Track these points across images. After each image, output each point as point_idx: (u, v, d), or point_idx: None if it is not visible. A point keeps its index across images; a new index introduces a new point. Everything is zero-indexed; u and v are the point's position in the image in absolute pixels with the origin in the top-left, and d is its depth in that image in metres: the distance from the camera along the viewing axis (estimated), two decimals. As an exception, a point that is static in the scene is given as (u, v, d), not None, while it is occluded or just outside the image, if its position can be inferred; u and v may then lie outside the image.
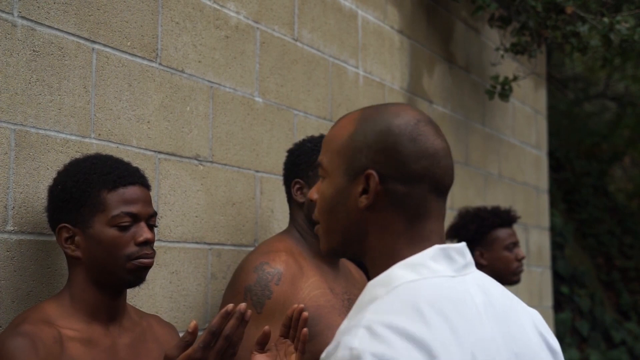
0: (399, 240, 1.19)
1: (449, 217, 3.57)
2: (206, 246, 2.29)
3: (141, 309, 1.95)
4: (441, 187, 1.19)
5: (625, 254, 7.22)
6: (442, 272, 1.17)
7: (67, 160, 1.86)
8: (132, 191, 1.63)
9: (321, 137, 2.24)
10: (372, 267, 1.21)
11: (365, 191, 1.18)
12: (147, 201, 1.66)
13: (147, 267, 1.63)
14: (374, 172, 1.17)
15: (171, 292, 2.15)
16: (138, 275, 1.63)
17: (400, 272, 1.16)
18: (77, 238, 1.62)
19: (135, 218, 1.62)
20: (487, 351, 1.11)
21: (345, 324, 1.13)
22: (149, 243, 1.62)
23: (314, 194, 1.31)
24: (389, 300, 1.12)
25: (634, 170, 9.94)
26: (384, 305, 1.11)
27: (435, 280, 1.15)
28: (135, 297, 2.02)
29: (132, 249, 1.60)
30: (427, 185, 1.18)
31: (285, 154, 2.29)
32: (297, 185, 2.18)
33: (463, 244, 1.21)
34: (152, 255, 1.63)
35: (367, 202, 1.18)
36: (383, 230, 1.19)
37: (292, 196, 2.19)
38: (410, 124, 1.18)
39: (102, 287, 1.64)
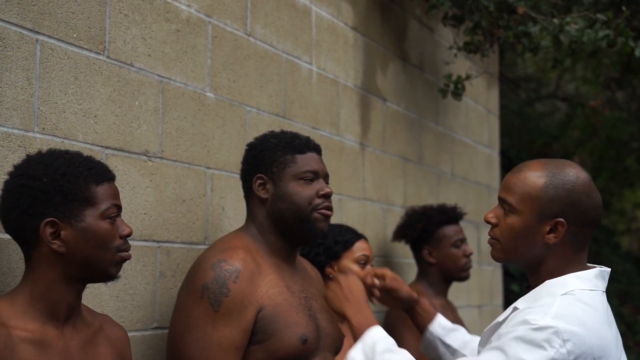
0: (568, 264, 1.73)
1: (398, 216, 3.58)
2: (155, 244, 2.24)
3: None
4: (597, 225, 1.77)
5: (574, 252, 7.34)
6: (600, 287, 1.73)
7: (8, 155, 1.80)
8: (113, 185, 1.68)
9: (283, 132, 2.19)
10: (543, 277, 1.73)
11: (551, 231, 1.70)
12: (119, 196, 1.72)
13: (128, 259, 1.68)
14: (563, 221, 1.69)
15: (118, 290, 2.10)
16: (119, 269, 1.67)
17: (574, 280, 1.70)
18: (63, 233, 1.58)
19: (119, 211, 1.67)
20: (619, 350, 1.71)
21: (526, 305, 1.69)
22: (128, 237, 1.68)
23: (492, 218, 1.77)
24: (568, 298, 1.66)
25: (583, 170, 10.11)
26: (566, 300, 1.66)
27: (595, 292, 1.71)
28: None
29: (118, 241, 1.65)
30: (593, 226, 1.74)
31: (243, 149, 2.24)
32: (260, 181, 2.14)
33: (609, 270, 1.78)
34: (130, 249, 1.69)
35: (555, 240, 1.71)
36: (558, 257, 1.72)
37: (254, 192, 2.15)
38: (586, 184, 1.73)
39: (76, 283, 1.62)
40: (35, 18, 1.88)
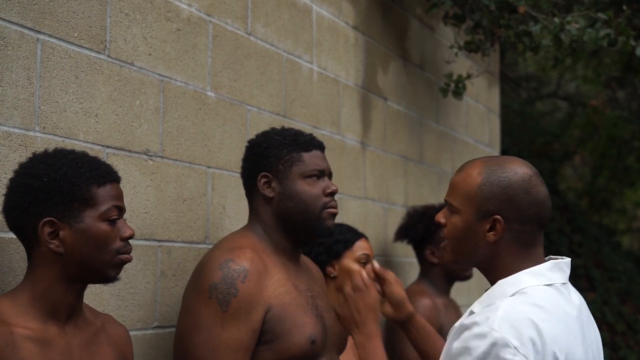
0: (517, 262, 1.66)
1: (399, 216, 3.58)
2: (156, 243, 2.24)
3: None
4: (545, 223, 1.69)
5: (575, 252, 7.33)
6: (557, 279, 1.67)
7: (9, 154, 1.80)
8: (116, 187, 1.67)
9: (286, 129, 2.18)
10: (497, 277, 1.67)
11: (491, 229, 1.66)
12: (123, 198, 1.70)
13: (128, 262, 1.67)
14: (500, 217, 1.65)
15: (119, 290, 2.10)
16: (119, 271, 1.66)
17: (526, 278, 1.64)
18: (62, 233, 1.58)
19: (121, 213, 1.65)
20: (590, 346, 1.64)
21: (478, 307, 1.63)
22: (130, 239, 1.67)
23: (441, 218, 1.75)
24: (519, 299, 1.59)
25: (584, 169, 10.14)
26: (516, 301, 1.59)
27: (552, 287, 1.65)
28: (81, 295, 1.96)
29: (119, 243, 1.64)
30: (537, 223, 1.67)
31: (243, 148, 2.23)
32: (265, 179, 2.12)
33: (569, 259, 1.71)
34: (131, 251, 1.68)
35: (495, 238, 1.66)
36: (505, 256, 1.67)
37: (258, 190, 2.13)
38: (525, 180, 1.67)
39: (76, 283, 1.62)
40: (36, 17, 1.88)
